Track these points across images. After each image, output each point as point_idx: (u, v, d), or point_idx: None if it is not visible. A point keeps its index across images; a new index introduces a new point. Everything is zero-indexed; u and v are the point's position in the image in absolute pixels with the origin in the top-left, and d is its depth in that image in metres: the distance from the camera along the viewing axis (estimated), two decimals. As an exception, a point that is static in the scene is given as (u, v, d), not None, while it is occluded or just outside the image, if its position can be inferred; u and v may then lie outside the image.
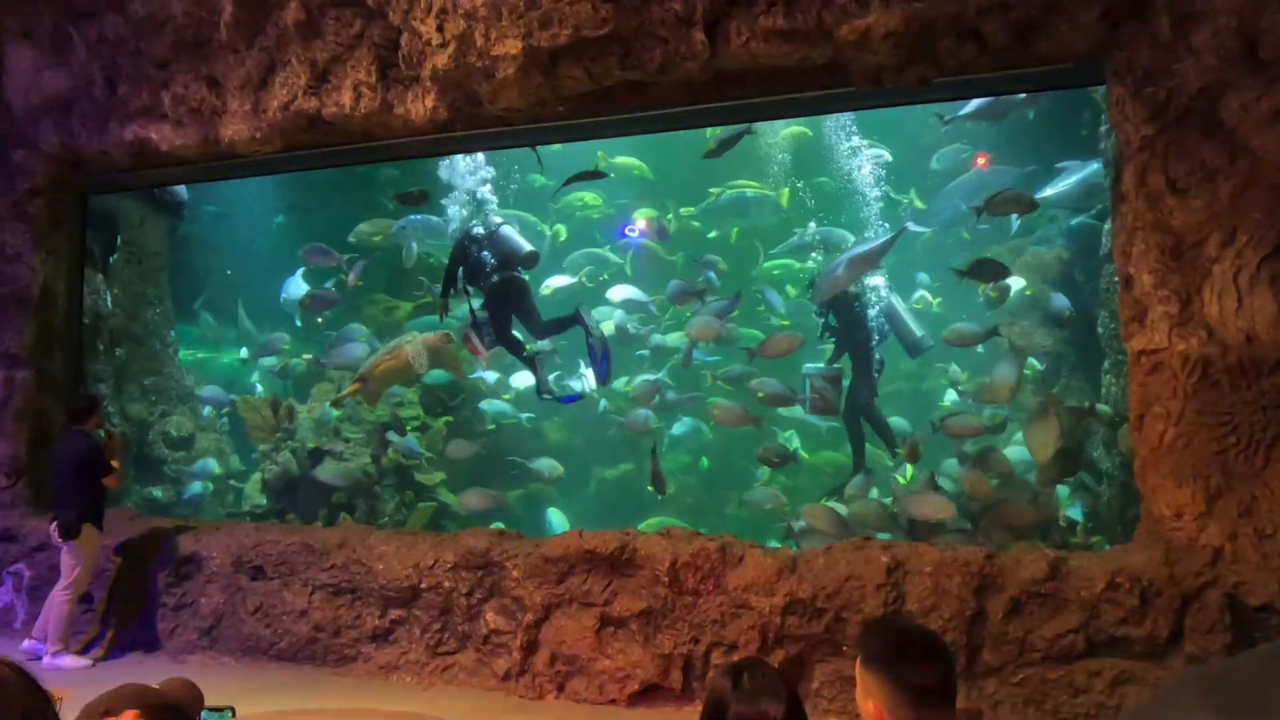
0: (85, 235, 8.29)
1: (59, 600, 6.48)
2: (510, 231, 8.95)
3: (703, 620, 5.43)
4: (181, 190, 10.28)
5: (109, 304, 9.23)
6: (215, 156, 7.22)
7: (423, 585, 6.08)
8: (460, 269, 8.69)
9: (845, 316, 8.68)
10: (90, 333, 8.70)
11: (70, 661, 6.41)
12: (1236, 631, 4.49)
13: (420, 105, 6.23)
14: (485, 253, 8.65)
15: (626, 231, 12.06)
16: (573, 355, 10.86)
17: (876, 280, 8.84)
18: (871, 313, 8.63)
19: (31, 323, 7.64)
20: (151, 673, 5.94)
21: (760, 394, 9.00)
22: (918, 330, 8.75)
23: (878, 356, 8.67)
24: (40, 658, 6.40)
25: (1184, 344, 4.81)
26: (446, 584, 6.04)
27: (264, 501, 10.03)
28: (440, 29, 5.95)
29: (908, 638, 2.10)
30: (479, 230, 8.78)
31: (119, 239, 9.49)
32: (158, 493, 9.85)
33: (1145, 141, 4.91)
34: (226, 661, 6.52)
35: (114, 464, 6.76)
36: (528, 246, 8.96)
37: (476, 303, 8.87)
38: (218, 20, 6.67)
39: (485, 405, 10.80)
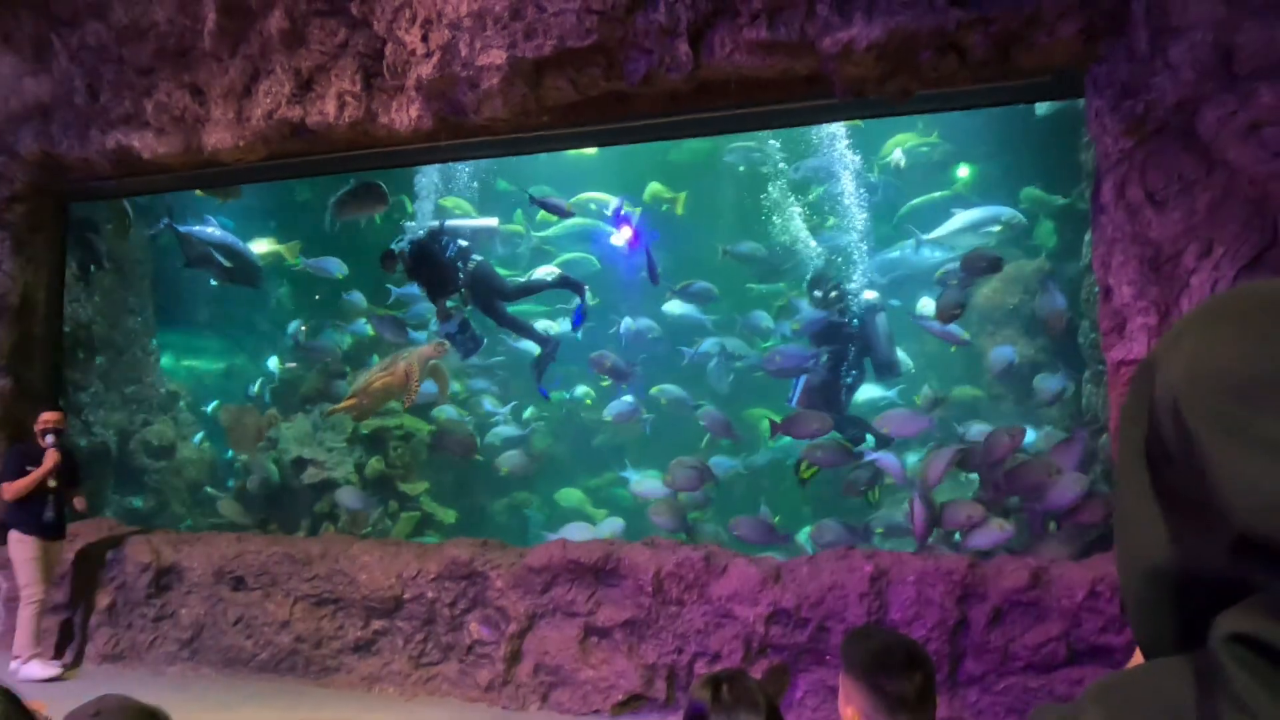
0: (65, 243, 8.23)
1: (20, 608, 6.42)
2: (457, 222, 8.94)
3: (687, 630, 5.44)
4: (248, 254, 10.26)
5: (89, 312, 9.15)
6: (198, 165, 7.18)
7: (406, 596, 6.05)
8: (421, 278, 8.65)
9: (830, 318, 8.68)
10: (70, 341, 8.63)
11: (38, 669, 6.30)
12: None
13: (405, 115, 6.22)
14: (445, 252, 8.56)
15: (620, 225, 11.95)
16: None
17: (869, 294, 8.85)
18: (858, 322, 8.61)
19: (10, 331, 7.56)
20: (130, 684, 5.88)
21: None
22: (892, 353, 8.70)
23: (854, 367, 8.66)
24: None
25: (1163, 354, 4.84)
26: (430, 594, 6.01)
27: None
28: (425, 39, 5.96)
29: (888, 646, 2.12)
30: (425, 233, 8.68)
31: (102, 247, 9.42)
32: (138, 503, 9.75)
33: (1124, 154, 4.96)
34: (206, 673, 6.46)
35: (29, 470, 6.57)
36: (490, 221, 9.00)
37: (452, 303, 8.84)
38: (201, 28, 6.64)
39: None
